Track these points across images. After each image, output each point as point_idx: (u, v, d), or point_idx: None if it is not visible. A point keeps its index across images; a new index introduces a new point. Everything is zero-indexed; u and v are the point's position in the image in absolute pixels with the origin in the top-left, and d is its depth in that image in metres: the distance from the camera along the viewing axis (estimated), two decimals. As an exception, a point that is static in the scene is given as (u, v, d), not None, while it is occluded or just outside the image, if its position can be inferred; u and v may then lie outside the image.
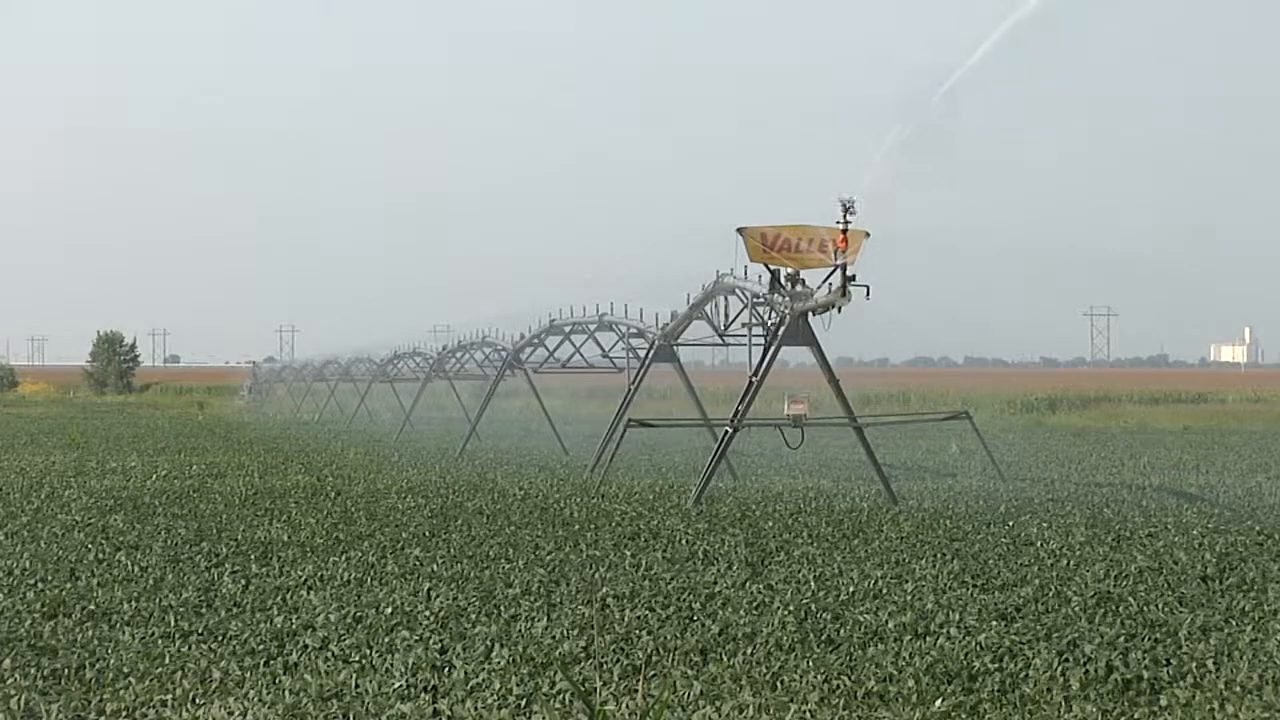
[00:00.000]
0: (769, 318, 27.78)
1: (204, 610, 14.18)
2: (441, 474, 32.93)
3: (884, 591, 15.41)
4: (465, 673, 11.47)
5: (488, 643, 12.56)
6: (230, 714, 10.40)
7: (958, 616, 13.88)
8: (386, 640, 12.70)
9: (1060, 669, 11.61)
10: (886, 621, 13.58)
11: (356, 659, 11.99)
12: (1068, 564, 17.58)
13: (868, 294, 24.58)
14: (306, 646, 12.46)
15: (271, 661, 11.94)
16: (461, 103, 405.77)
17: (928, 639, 12.88)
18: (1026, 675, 11.48)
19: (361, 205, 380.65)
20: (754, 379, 26.83)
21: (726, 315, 30.64)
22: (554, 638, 12.81)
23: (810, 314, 25.92)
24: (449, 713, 10.45)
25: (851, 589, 15.46)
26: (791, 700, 10.76)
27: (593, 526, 21.32)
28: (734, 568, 17.09)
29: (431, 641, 12.63)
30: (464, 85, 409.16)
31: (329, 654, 12.18)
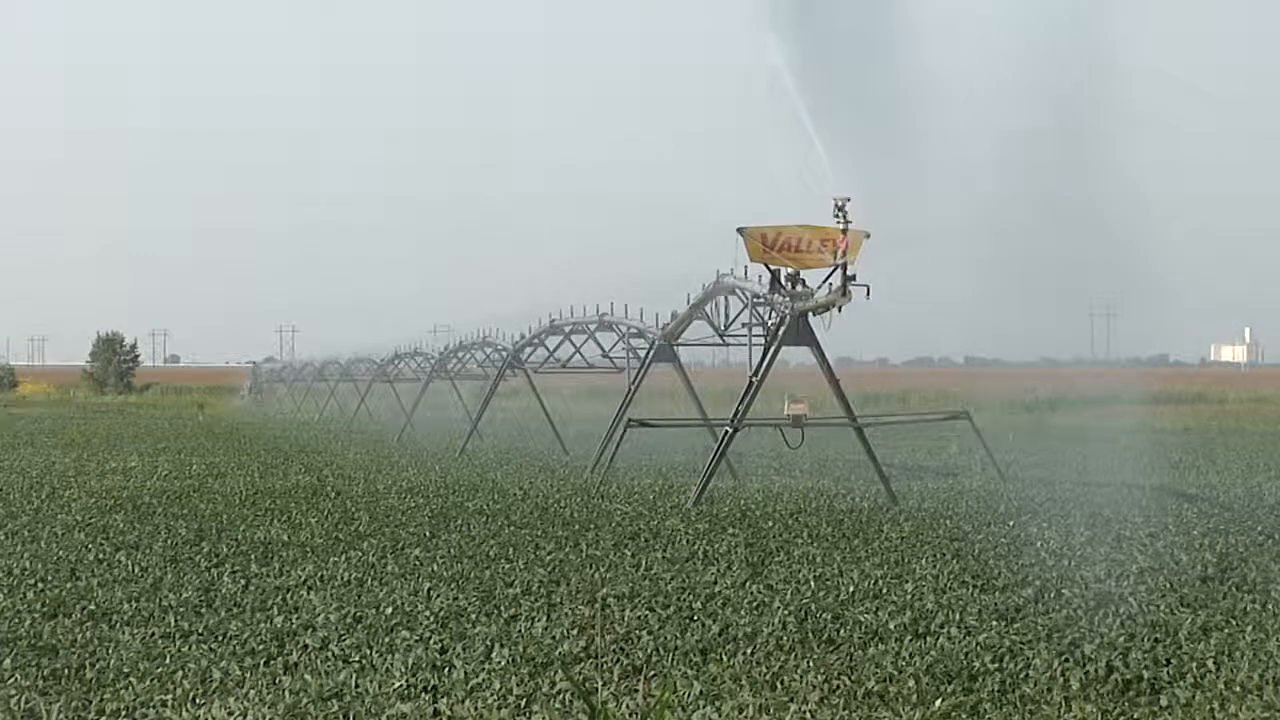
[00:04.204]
0: (769, 318, 27.80)
1: (204, 610, 14.18)
2: (442, 474, 32.93)
3: (884, 591, 15.41)
4: (465, 673, 11.47)
5: (488, 643, 12.56)
6: (230, 714, 10.40)
7: (958, 616, 13.88)
8: (386, 640, 12.70)
9: (1060, 669, 11.60)
10: (887, 621, 13.58)
11: (356, 659, 11.99)
12: (1068, 564, 17.58)
13: (868, 294, 24.62)
14: (306, 646, 12.46)
15: (271, 661, 11.94)
16: (461, 103, 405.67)
17: (928, 639, 12.88)
18: (1027, 675, 11.47)
19: (362, 204, 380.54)
20: (754, 379, 26.84)
21: (726, 315, 30.67)
22: (554, 638, 12.81)
23: (810, 314, 25.94)
24: (449, 713, 10.45)
25: (851, 589, 15.46)
26: (791, 700, 10.76)
27: (593, 526, 21.32)
28: (734, 568, 17.09)
29: (431, 641, 12.63)
30: (464, 85, 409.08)
31: (329, 654, 12.18)
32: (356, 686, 11.06)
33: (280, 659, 12.01)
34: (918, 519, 22.57)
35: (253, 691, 10.93)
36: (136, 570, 16.71)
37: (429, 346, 67.68)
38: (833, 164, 23.23)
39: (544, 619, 13.67)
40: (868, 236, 24.49)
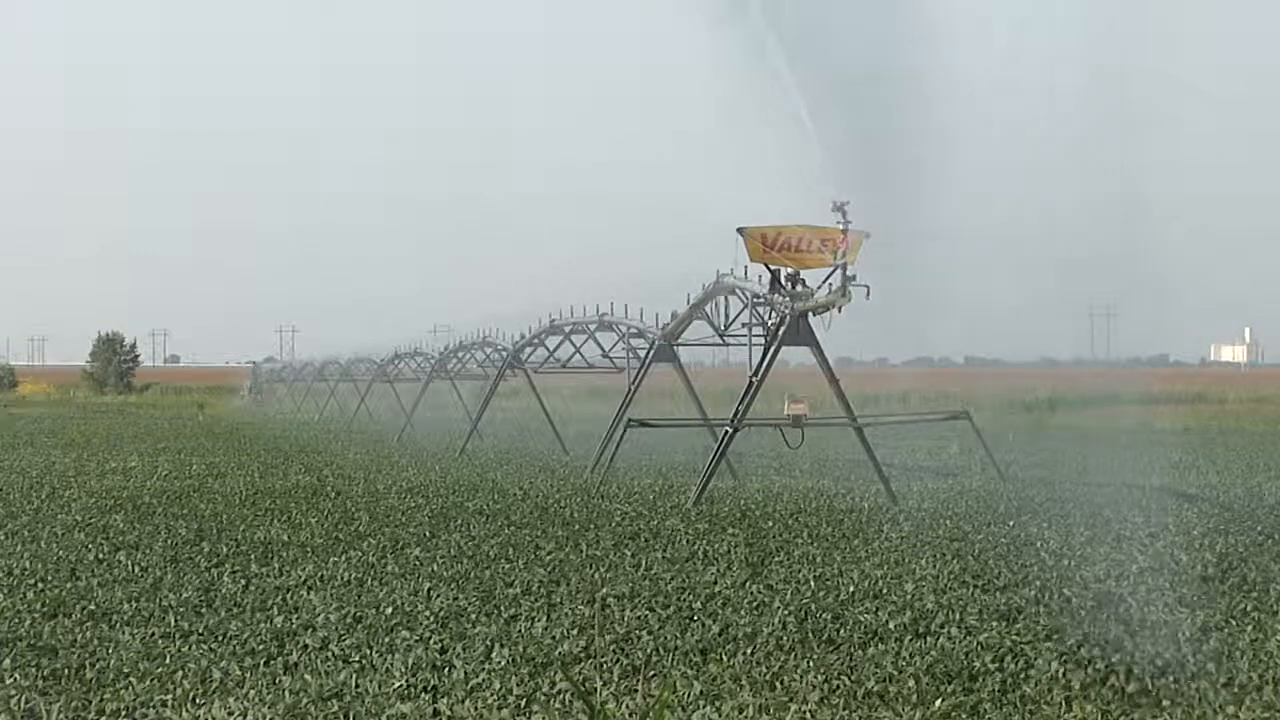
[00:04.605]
0: (769, 318, 27.79)
1: (204, 610, 14.18)
2: (442, 474, 32.93)
3: (884, 591, 15.41)
4: (465, 673, 11.47)
5: (488, 643, 12.56)
6: (230, 714, 10.40)
7: (958, 616, 13.88)
8: (386, 640, 12.71)
9: (1061, 669, 11.61)
10: (887, 621, 13.58)
11: (356, 659, 11.99)
12: (1068, 564, 17.58)
13: (868, 294, 24.62)
14: (306, 646, 12.46)
15: (271, 661, 11.95)
16: (461, 102, 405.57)
17: (928, 639, 12.88)
18: (1027, 675, 11.47)
19: (362, 204, 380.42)
20: (754, 379, 26.84)
21: (726, 315, 30.67)
22: (554, 638, 12.81)
23: (810, 314, 25.94)
24: (449, 713, 10.45)
25: (851, 589, 15.46)
26: (791, 700, 10.76)
27: (593, 526, 21.33)
28: (734, 568, 17.09)
29: (431, 641, 12.64)
30: (464, 85, 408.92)
31: (329, 654, 12.18)
32: (356, 686, 11.06)
33: (280, 659, 12.02)
34: (918, 519, 22.57)
35: (253, 691, 10.94)
36: (136, 570, 16.71)
37: (429, 346, 67.70)
38: (833, 164, 23.24)
39: (544, 619, 13.67)
40: (868, 236, 24.49)
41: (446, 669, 11.67)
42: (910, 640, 12.79)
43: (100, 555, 17.98)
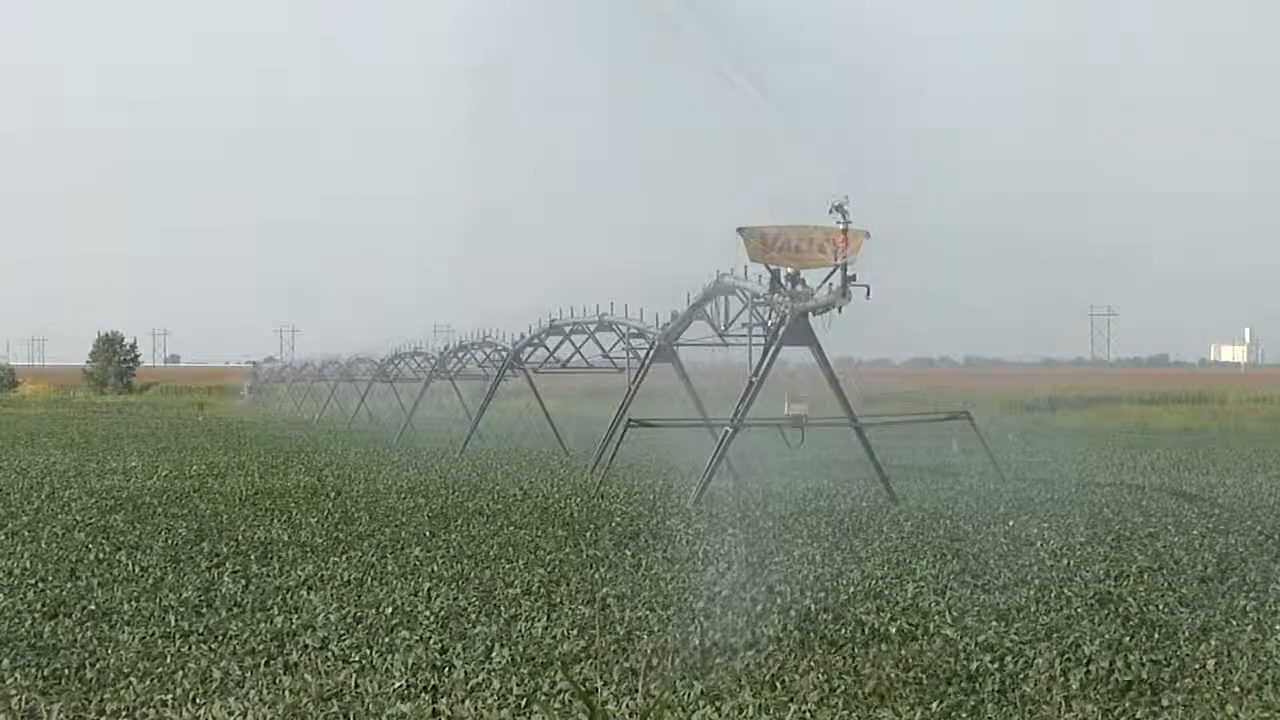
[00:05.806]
0: (769, 318, 27.79)
1: (204, 610, 14.18)
2: (442, 474, 32.92)
3: (884, 591, 15.41)
4: (465, 673, 11.47)
5: (488, 643, 12.56)
6: (230, 714, 10.40)
7: (958, 616, 13.88)
8: (386, 640, 12.71)
9: (1060, 669, 11.61)
10: (887, 622, 13.58)
11: (356, 659, 11.99)
12: (1068, 564, 17.58)
13: (868, 294, 24.62)
14: (306, 646, 12.46)
15: (271, 661, 11.94)
16: (460, 102, 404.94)
17: (928, 639, 12.87)
18: (1027, 675, 11.47)
19: (362, 204, 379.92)
20: (754, 379, 26.84)
21: (726, 315, 30.66)
22: (554, 638, 12.81)
23: (810, 314, 25.93)
24: (449, 713, 10.45)
25: (852, 589, 15.46)
26: (791, 700, 10.75)
27: (593, 526, 21.33)
28: (734, 568, 17.09)
29: (431, 641, 12.64)
30: (457, 85, 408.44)
31: (329, 654, 12.18)
32: (356, 686, 11.06)
33: (280, 659, 12.02)
34: (918, 519, 22.57)
35: (253, 691, 10.93)
36: (136, 570, 16.71)
37: (429, 346, 67.63)
38: (832, 164, 23.26)
39: (544, 619, 13.67)
40: (868, 236, 24.49)
41: (446, 669, 11.67)
42: (911, 640, 12.78)
43: (100, 555, 17.98)
